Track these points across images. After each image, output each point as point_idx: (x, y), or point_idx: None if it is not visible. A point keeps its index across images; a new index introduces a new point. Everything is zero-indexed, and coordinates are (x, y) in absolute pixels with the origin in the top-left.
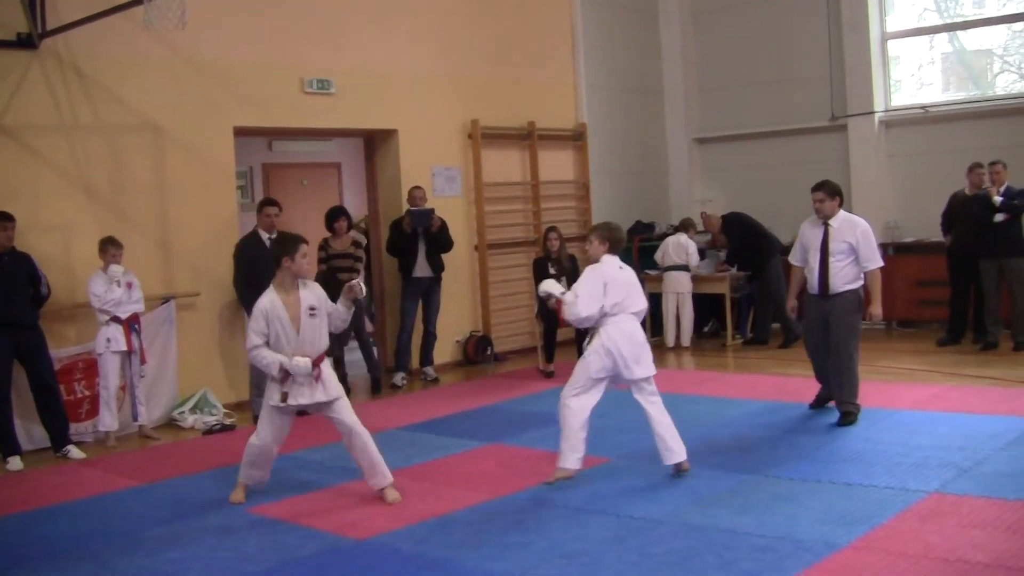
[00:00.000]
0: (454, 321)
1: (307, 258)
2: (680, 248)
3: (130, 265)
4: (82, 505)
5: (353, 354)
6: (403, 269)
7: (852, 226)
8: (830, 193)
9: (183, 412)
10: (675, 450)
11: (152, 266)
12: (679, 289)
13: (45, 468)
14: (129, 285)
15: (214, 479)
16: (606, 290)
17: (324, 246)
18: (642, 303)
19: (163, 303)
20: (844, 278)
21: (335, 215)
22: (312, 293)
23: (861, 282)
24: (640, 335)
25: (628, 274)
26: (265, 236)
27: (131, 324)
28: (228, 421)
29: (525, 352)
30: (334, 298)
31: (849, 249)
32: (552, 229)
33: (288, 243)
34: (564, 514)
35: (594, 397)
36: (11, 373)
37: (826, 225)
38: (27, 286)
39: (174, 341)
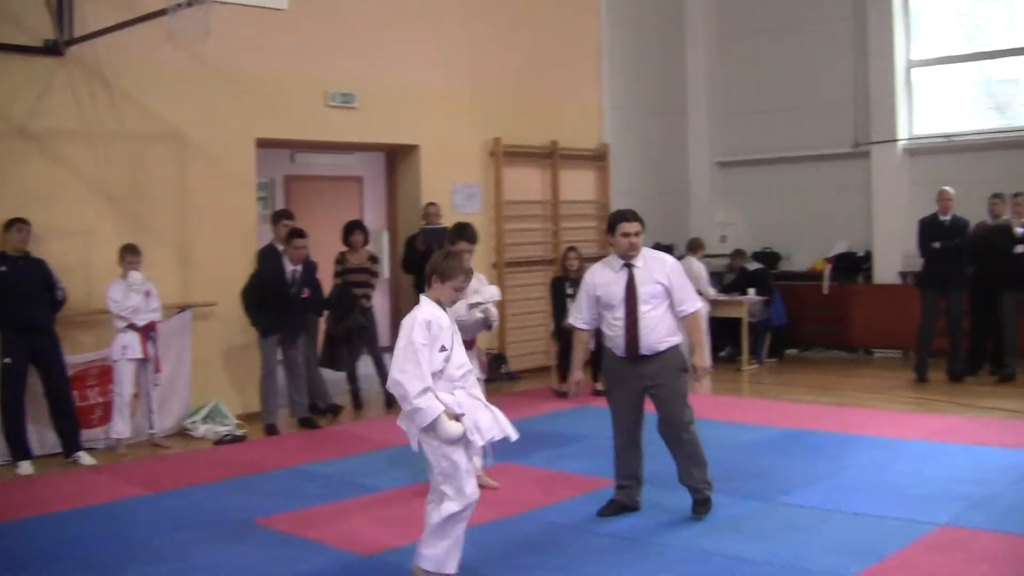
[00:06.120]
0: None
1: None
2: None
3: (148, 273)
4: (90, 512)
5: (366, 368)
6: (418, 287)
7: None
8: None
9: (195, 421)
10: None
11: (170, 274)
12: None
13: (55, 473)
14: (147, 293)
15: (223, 490)
16: None
17: (341, 260)
18: None
19: (180, 312)
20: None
21: (351, 229)
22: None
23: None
24: None
25: None
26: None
27: (148, 332)
28: (239, 432)
29: (540, 371)
30: (349, 312)
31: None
32: (572, 249)
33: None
34: (571, 536)
35: None
36: (27, 377)
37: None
38: (43, 291)
39: (189, 350)
